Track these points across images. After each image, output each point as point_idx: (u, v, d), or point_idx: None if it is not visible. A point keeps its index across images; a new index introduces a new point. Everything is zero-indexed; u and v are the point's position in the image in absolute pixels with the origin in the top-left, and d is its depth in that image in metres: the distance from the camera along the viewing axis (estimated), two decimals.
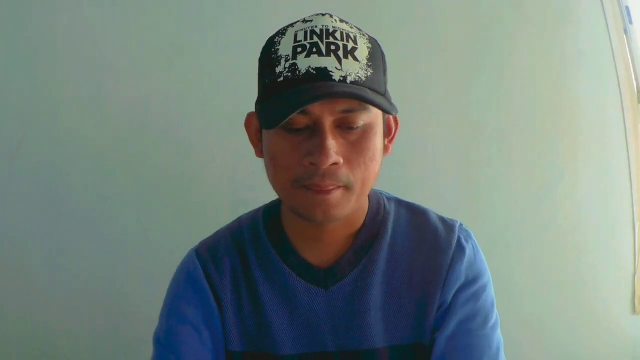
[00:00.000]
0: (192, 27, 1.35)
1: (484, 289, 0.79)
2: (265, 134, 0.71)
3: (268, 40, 0.73)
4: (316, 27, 0.68)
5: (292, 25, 0.71)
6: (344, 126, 0.67)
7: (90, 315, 1.35)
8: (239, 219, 0.87)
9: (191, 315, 0.78)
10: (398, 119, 0.79)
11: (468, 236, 0.82)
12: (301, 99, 0.62)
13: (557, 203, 1.44)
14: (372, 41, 0.72)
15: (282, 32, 0.71)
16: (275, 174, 0.70)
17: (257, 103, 0.73)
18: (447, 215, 0.85)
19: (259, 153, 0.76)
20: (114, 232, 1.35)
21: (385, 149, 0.76)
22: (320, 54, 0.65)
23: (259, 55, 0.73)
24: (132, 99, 1.34)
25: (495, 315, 0.79)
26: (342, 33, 0.68)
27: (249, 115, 0.78)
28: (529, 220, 1.43)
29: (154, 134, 1.35)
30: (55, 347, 1.35)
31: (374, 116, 0.69)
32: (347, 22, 0.72)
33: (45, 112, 1.33)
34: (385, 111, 0.67)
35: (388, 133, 0.77)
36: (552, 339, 1.44)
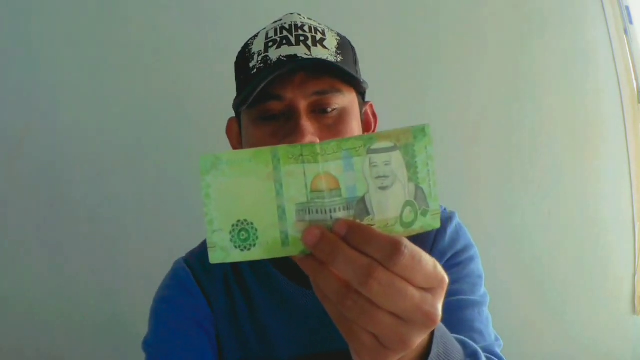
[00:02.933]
0: (192, 27, 1.35)
1: (470, 260, 0.79)
2: (245, 131, 0.73)
3: (243, 45, 0.76)
4: (285, 23, 0.72)
5: (264, 28, 0.75)
6: (318, 109, 0.68)
7: (89, 314, 1.35)
8: None
9: (183, 318, 0.76)
10: (376, 114, 0.81)
11: (451, 216, 0.82)
12: (272, 73, 0.65)
13: (557, 203, 1.44)
14: (341, 36, 0.75)
15: (255, 35, 0.75)
16: None
17: (235, 100, 0.75)
18: None
19: None
20: (114, 232, 1.35)
21: None
22: (290, 44, 0.69)
23: None
24: (132, 99, 1.34)
25: (484, 291, 0.79)
26: (310, 27, 0.72)
27: (229, 121, 0.80)
28: (528, 220, 1.43)
29: (154, 134, 1.35)
30: (55, 347, 1.35)
31: (348, 101, 0.70)
32: (315, 20, 0.75)
33: (45, 112, 1.33)
34: (352, 78, 0.68)
35: (367, 126, 0.78)
36: (552, 339, 1.44)
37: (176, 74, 1.34)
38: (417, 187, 0.41)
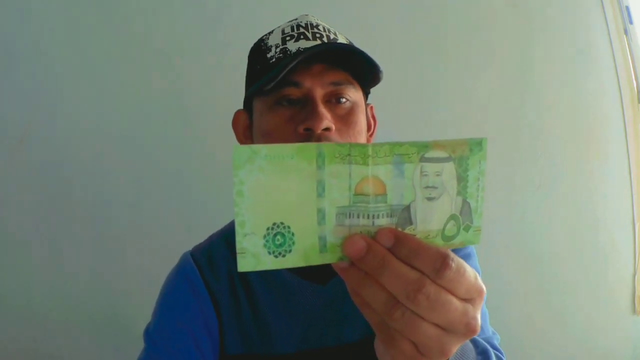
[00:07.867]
0: (192, 27, 1.35)
1: (467, 257, 0.82)
2: (259, 118, 0.75)
3: (256, 41, 0.80)
4: (301, 22, 0.77)
5: (278, 26, 0.79)
6: (333, 99, 0.72)
7: (89, 314, 1.35)
8: (231, 222, 0.86)
9: (186, 315, 0.77)
10: (376, 117, 0.85)
11: None
12: (296, 56, 0.68)
13: (557, 203, 1.44)
14: (350, 41, 0.80)
15: (269, 32, 0.79)
16: None
17: (247, 89, 0.77)
18: None
19: None
20: (114, 232, 1.35)
21: (367, 142, 0.79)
22: (307, 39, 0.73)
23: None
24: (132, 99, 1.34)
25: None
26: (324, 27, 0.77)
27: (237, 113, 0.82)
28: (528, 220, 1.43)
29: (154, 134, 1.35)
30: (55, 347, 1.35)
31: (359, 96, 0.75)
32: (326, 23, 0.80)
33: (46, 111, 1.33)
34: (370, 63, 0.71)
35: (368, 127, 0.81)
36: (552, 339, 1.44)
37: (177, 74, 1.34)
38: (465, 202, 0.40)
